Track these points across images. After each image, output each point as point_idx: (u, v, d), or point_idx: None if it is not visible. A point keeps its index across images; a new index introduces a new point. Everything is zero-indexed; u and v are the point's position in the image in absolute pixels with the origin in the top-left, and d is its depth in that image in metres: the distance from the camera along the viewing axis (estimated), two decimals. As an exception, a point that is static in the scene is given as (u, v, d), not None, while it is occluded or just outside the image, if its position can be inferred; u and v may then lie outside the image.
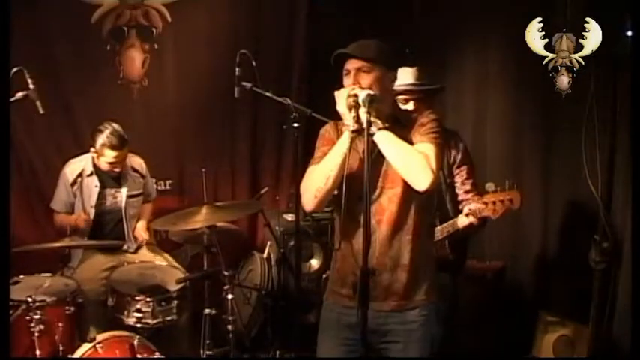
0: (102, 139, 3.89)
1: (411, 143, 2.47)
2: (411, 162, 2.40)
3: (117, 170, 4.03)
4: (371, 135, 2.37)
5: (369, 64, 2.47)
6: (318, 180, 2.49)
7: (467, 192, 3.38)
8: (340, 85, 2.52)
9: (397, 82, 3.23)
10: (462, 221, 3.20)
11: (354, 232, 2.50)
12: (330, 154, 2.49)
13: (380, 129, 2.43)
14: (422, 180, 2.39)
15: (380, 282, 2.48)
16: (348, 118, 2.42)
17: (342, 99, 2.43)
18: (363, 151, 2.32)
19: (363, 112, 2.35)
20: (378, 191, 2.50)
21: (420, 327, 2.54)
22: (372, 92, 2.38)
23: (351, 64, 2.49)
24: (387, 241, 2.50)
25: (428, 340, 2.56)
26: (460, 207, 3.35)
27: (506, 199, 3.08)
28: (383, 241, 2.50)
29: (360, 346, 2.37)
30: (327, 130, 2.66)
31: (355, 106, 2.37)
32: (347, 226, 2.54)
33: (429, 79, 3.39)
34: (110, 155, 3.92)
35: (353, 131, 2.39)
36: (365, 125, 2.32)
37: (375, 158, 2.43)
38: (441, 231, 3.25)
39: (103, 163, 3.97)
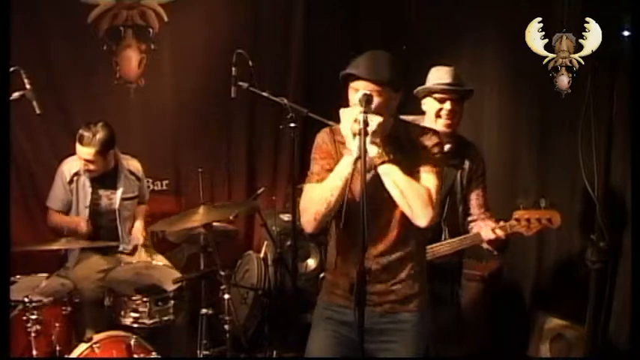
0: (79, 132, 3.83)
1: (412, 166, 2.45)
2: (413, 200, 2.39)
3: (92, 168, 3.91)
4: (373, 166, 2.37)
5: (379, 88, 2.36)
6: (317, 202, 2.43)
7: (480, 206, 3.25)
8: (344, 98, 2.45)
9: (434, 81, 3.17)
10: (487, 234, 3.10)
11: (349, 246, 2.50)
12: (330, 177, 2.42)
13: (384, 162, 2.38)
14: (422, 218, 2.41)
15: (374, 293, 2.48)
16: (351, 142, 2.34)
17: (348, 120, 2.34)
18: (363, 171, 2.26)
19: (368, 142, 2.30)
20: (378, 211, 2.46)
21: (413, 327, 2.55)
22: (368, 92, 2.33)
23: (361, 84, 2.37)
24: (383, 256, 2.51)
25: (422, 340, 2.57)
26: (468, 219, 3.27)
27: (543, 218, 3.05)
28: (378, 258, 2.50)
29: (349, 341, 2.42)
30: (324, 139, 2.58)
31: (361, 134, 2.26)
32: (343, 239, 2.54)
33: (463, 80, 3.29)
34: (79, 149, 3.84)
35: (356, 158, 2.30)
36: (365, 140, 2.26)
37: (377, 180, 2.41)
38: (459, 242, 3.16)
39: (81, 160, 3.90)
